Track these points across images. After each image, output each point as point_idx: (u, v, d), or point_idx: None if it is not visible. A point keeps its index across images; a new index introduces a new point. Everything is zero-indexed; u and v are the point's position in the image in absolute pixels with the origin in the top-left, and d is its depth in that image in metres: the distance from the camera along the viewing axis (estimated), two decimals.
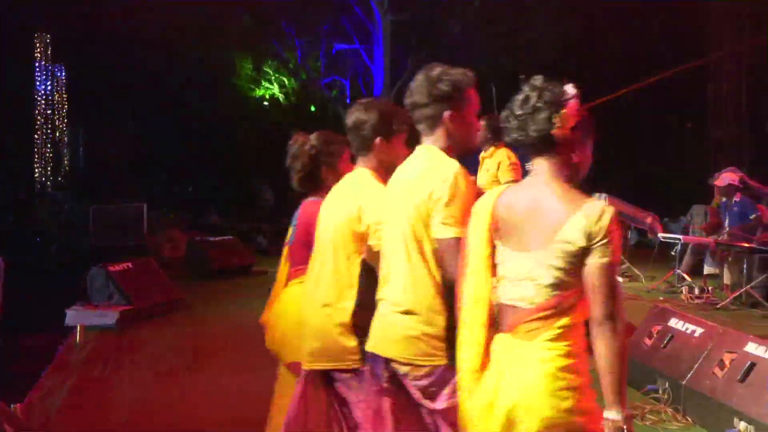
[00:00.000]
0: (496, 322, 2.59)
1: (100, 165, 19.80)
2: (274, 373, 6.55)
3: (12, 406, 5.08)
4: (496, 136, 6.97)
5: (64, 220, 15.59)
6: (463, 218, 2.76)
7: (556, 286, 2.43)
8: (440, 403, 2.86)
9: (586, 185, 2.86)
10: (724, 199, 9.91)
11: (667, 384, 5.55)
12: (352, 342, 3.29)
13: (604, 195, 10.63)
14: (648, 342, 5.94)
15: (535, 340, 2.45)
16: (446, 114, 2.98)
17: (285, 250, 4.19)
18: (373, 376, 3.06)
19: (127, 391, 6.25)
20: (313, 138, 4.01)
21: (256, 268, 12.56)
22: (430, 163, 2.97)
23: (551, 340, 2.43)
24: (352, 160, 3.62)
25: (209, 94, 19.09)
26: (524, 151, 2.60)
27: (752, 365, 4.78)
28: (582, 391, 2.44)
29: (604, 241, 2.35)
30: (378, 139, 3.39)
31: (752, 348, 4.94)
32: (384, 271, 3.11)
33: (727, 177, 9.73)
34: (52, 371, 6.73)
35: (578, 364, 2.45)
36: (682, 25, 16.85)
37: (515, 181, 6.41)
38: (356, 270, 3.33)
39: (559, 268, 2.41)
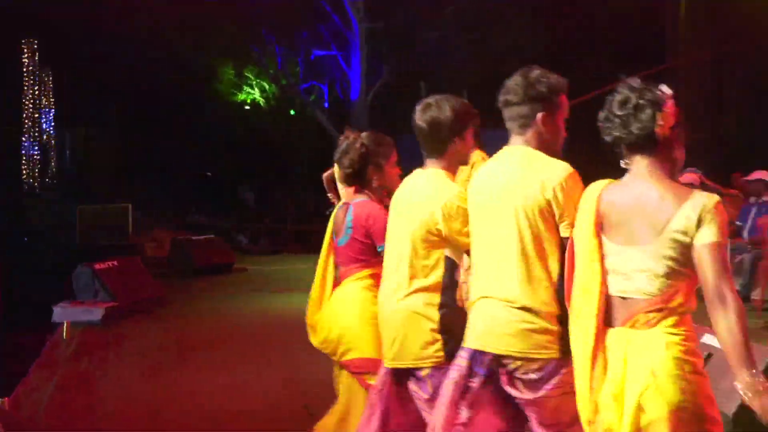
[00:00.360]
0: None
1: (86, 167, 19.62)
2: (257, 367, 6.56)
3: (0, 400, 5.04)
4: None
5: (53, 221, 15.44)
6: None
7: (669, 275, 2.45)
8: (539, 393, 2.82)
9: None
10: None
11: None
12: (438, 340, 3.17)
13: None
14: None
15: (655, 328, 2.47)
16: (540, 115, 2.91)
17: (325, 249, 4.04)
18: (468, 373, 2.92)
19: (112, 384, 6.18)
20: (364, 136, 3.90)
21: (237, 265, 12.51)
22: (535, 162, 2.89)
23: (672, 326, 2.46)
24: (417, 159, 3.41)
25: (193, 98, 18.95)
26: (622, 150, 2.61)
27: (709, 355, 4.83)
28: (703, 375, 2.47)
29: (711, 222, 2.37)
30: (456, 139, 3.26)
31: (708, 339, 4.98)
32: (484, 270, 2.99)
33: (689, 177, 9.80)
34: (40, 366, 6.65)
35: (696, 348, 2.49)
36: (647, 32, 16.98)
37: None
38: (440, 269, 3.22)
39: (672, 258, 2.44)
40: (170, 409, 5.53)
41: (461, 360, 2.95)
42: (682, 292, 2.47)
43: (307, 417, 5.31)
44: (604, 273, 2.60)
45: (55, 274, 10.31)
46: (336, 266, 3.97)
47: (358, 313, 3.72)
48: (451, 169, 3.33)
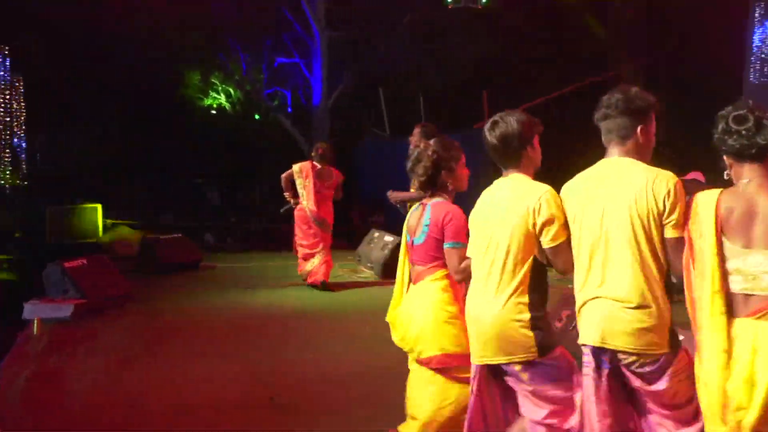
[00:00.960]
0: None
1: (57, 168, 19.19)
2: (225, 360, 6.45)
3: None
4: None
5: (22, 220, 15.08)
6: (685, 221, 2.94)
7: None
8: (659, 386, 2.99)
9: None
10: None
11: None
12: (530, 335, 3.24)
13: None
14: (558, 325, 6.02)
15: None
16: (639, 127, 3.10)
17: (403, 250, 4.07)
18: (596, 367, 3.09)
19: (82, 378, 6.06)
20: (433, 143, 3.93)
21: (205, 263, 12.30)
22: (645, 171, 3.04)
23: None
24: (496, 172, 3.52)
25: (162, 102, 18.63)
26: (737, 158, 2.85)
27: None
28: None
29: None
30: (528, 148, 3.38)
31: None
32: (593, 271, 3.11)
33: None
34: (11, 361, 6.50)
35: None
36: (584, 47, 17.17)
37: None
38: (528, 269, 3.27)
39: None
40: (139, 401, 5.45)
41: (587, 357, 3.12)
42: None
43: (273, 407, 5.28)
44: (726, 272, 2.80)
45: (26, 273, 10.07)
46: (412, 265, 3.96)
47: (435, 313, 3.72)
48: (529, 174, 3.43)
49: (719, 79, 13.41)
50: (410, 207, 4.12)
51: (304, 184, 9.78)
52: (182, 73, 18.48)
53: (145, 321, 8.21)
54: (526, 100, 15.84)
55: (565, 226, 3.23)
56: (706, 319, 2.82)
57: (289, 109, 19.23)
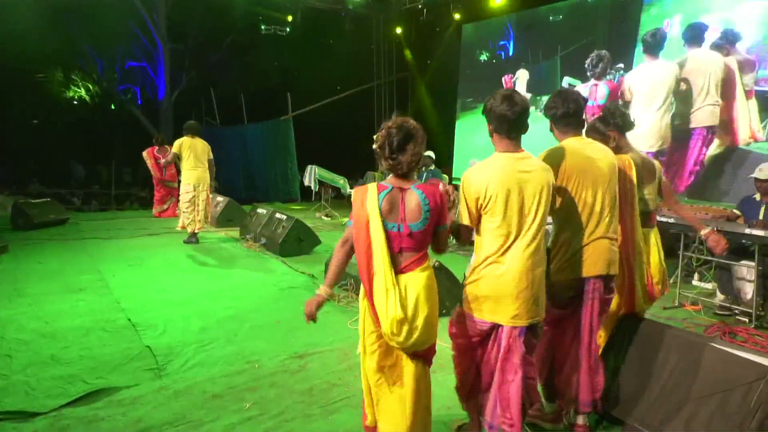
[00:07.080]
0: None
1: None
2: (89, 294, 5.81)
3: None
4: None
5: None
6: None
7: None
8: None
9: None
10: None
11: (352, 280, 5.87)
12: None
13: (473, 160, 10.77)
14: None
15: None
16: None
17: (383, 238, 2.44)
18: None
19: None
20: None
21: (72, 221, 11.00)
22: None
23: None
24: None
25: (33, 93, 16.16)
26: (621, 131, 3.48)
27: None
28: None
29: None
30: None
31: None
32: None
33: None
34: None
35: None
36: (359, 62, 17.37)
37: None
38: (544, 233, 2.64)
39: None
40: (11, 330, 4.83)
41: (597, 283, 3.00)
42: None
43: (130, 327, 4.89)
44: None
45: None
46: (398, 252, 2.48)
47: (434, 303, 2.50)
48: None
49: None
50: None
51: (150, 162, 11.04)
52: (45, 72, 16.20)
53: (14, 267, 7.17)
54: (316, 101, 15.79)
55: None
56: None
57: (139, 102, 17.64)
